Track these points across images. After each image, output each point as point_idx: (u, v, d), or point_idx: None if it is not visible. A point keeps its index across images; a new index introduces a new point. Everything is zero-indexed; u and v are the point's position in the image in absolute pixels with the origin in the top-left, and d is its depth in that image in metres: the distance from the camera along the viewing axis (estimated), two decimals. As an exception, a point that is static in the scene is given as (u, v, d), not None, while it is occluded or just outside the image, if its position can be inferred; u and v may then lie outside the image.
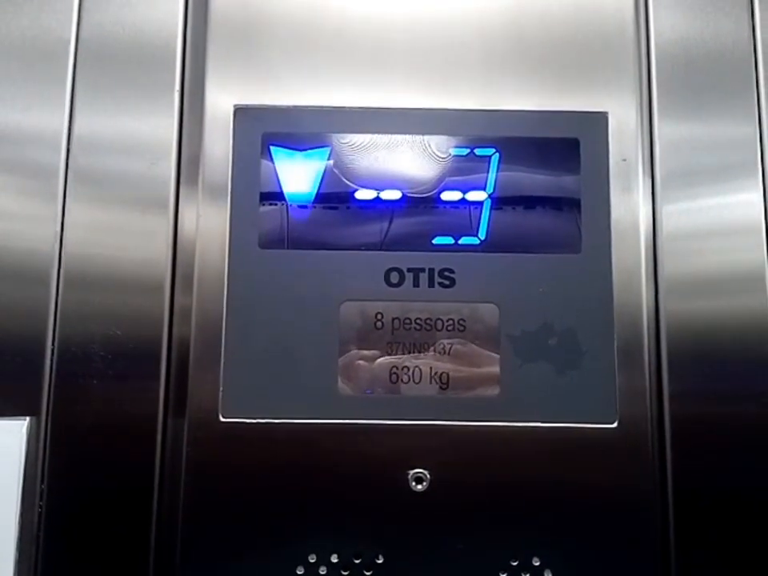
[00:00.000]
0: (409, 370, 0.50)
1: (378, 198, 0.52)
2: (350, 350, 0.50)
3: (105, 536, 0.49)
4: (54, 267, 0.51)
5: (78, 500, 0.49)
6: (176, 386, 0.50)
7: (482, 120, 0.53)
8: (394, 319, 0.51)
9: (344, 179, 0.52)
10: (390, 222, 0.52)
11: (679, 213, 0.53)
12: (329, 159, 0.52)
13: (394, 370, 0.50)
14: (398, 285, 0.51)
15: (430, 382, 0.50)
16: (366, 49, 0.54)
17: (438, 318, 0.51)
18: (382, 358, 0.50)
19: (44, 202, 0.52)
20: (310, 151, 0.52)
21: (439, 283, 0.51)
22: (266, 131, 0.52)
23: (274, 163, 0.52)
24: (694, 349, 0.51)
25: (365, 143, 0.52)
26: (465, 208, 0.52)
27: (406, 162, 0.52)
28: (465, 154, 0.52)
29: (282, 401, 0.49)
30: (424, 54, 0.54)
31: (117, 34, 0.54)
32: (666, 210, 0.53)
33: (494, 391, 0.50)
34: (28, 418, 0.49)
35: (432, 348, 0.51)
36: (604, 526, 0.49)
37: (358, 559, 0.49)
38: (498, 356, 0.50)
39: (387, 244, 0.51)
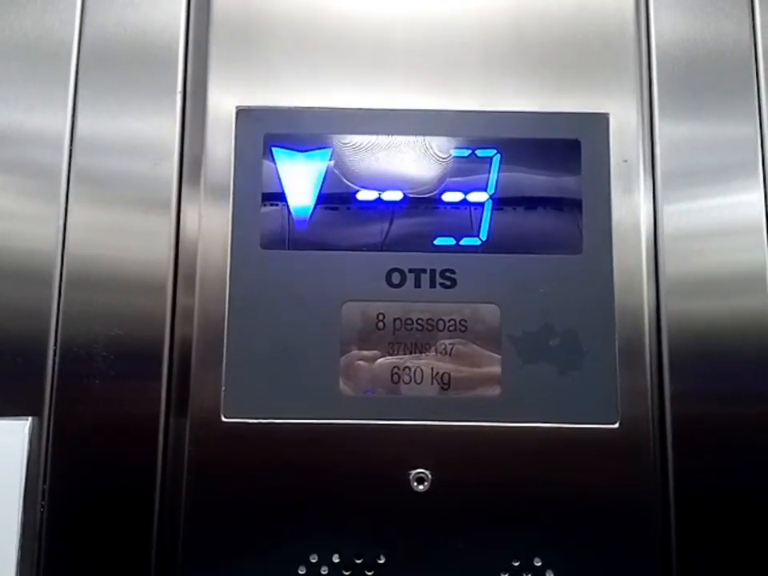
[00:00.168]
0: (410, 370, 0.50)
1: (379, 199, 0.52)
2: (352, 351, 0.50)
3: (107, 536, 0.49)
4: (56, 268, 0.51)
5: (80, 500, 0.49)
6: (178, 386, 0.50)
7: (482, 121, 0.53)
8: (395, 319, 0.51)
9: (345, 180, 0.52)
10: (391, 223, 0.52)
11: (680, 213, 0.53)
12: (330, 160, 0.52)
13: (396, 370, 0.50)
14: (400, 285, 0.51)
15: (432, 383, 0.50)
16: (366, 49, 0.54)
17: (440, 319, 0.51)
18: (383, 359, 0.50)
19: (46, 202, 0.52)
20: (311, 152, 0.52)
21: (440, 284, 0.51)
22: (268, 132, 0.52)
23: (275, 164, 0.52)
24: (695, 349, 0.51)
25: (366, 144, 0.53)
26: (466, 209, 0.52)
27: (407, 162, 0.53)
28: (466, 155, 0.52)
29: (284, 401, 0.49)
30: (424, 55, 0.54)
31: (119, 35, 0.54)
32: (667, 211, 0.53)
33: (495, 391, 0.50)
34: (30, 418, 0.49)
35: (433, 348, 0.51)
36: (605, 526, 0.49)
37: (359, 559, 0.49)
38: (499, 356, 0.50)
39: (388, 245, 0.51)
